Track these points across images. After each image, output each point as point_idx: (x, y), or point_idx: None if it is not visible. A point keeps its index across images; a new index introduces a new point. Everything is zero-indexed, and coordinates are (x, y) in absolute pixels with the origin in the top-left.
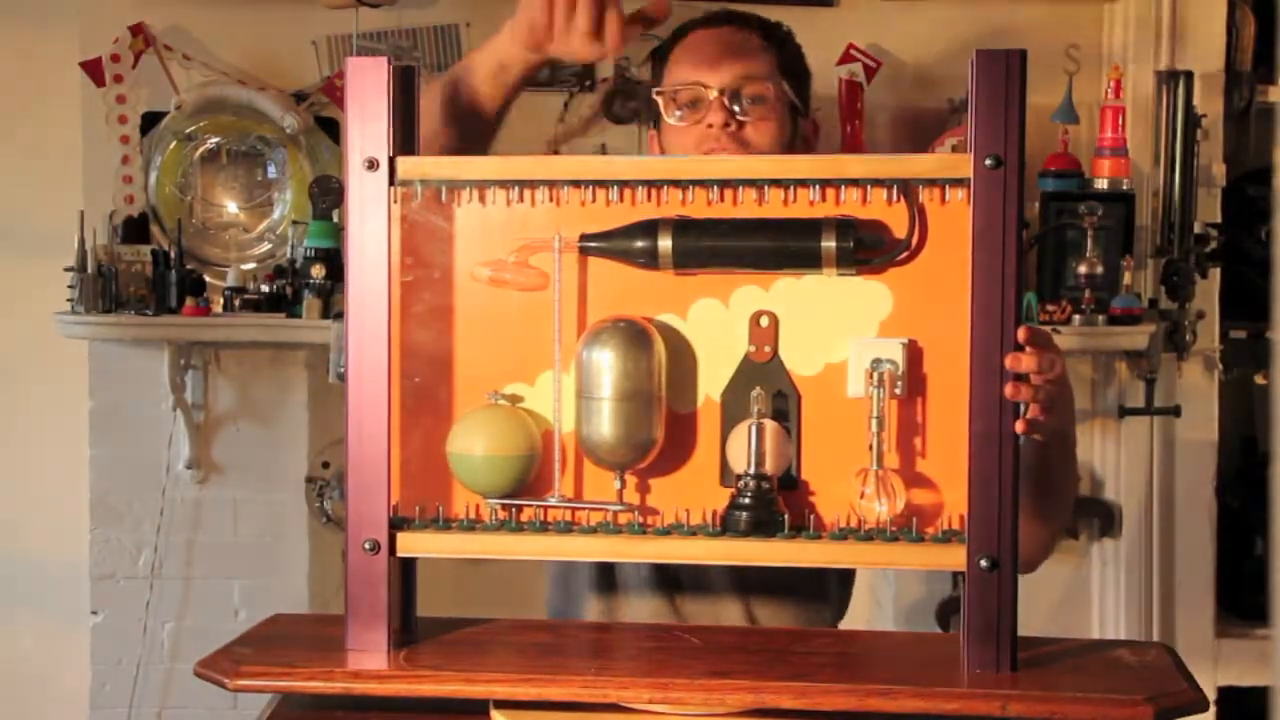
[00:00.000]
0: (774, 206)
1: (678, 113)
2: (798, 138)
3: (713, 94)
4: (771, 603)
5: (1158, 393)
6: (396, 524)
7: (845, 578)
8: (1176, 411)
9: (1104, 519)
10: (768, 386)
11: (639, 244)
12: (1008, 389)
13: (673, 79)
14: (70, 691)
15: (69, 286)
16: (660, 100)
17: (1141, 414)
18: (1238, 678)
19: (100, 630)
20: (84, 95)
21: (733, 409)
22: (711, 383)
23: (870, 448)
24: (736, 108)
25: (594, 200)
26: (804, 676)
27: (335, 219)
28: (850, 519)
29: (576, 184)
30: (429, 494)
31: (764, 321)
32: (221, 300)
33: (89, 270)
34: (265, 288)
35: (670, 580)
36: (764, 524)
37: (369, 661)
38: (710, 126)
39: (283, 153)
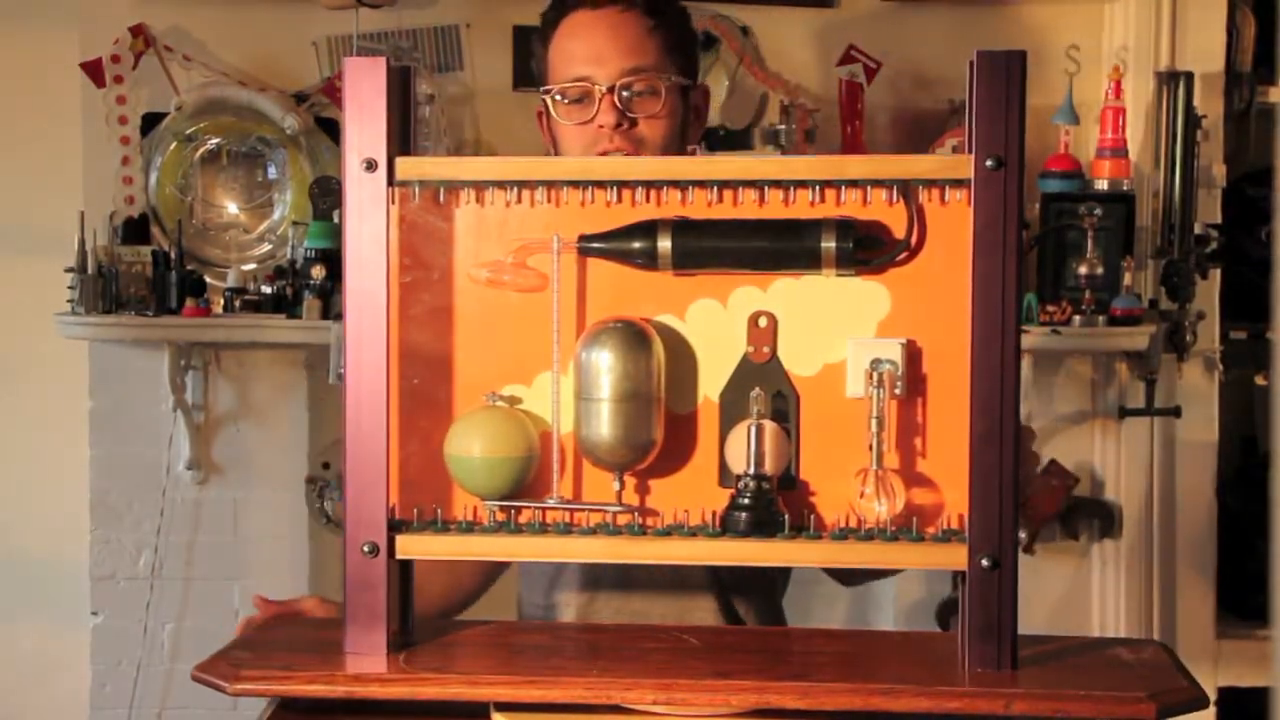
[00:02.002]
0: (774, 207)
1: (564, 102)
2: (689, 113)
3: (601, 90)
4: (740, 597)
5: (1158, 393)
6: (395, 526)
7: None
8: (1177, 412)
9: (1104, 520)
10: (767, 387)
11: (638, 244)
12: None
13: (558, 69)
14: (70, 692)
15: (69, 287)
16: (549, 101)
17: (1142, 414)
18: (1238, 678)
19: (100, 631)
20: (84, 96)
21: (731, 409)
22: (710, 383)
23: (870, 448)
24: (625, 93)
25: (592, 201)
26: (806, 676)
27: (335, 220)
28: (850, 519)
29: (575, 184)
30: (427, 496)
31: (762, 322)
32: (222, 301)
33: (89, 271)
34: (265, 288)
35: (641, 574)
36: (764, 524)
37: (368, 664)
38: (602, 127)
39: (283, 153)
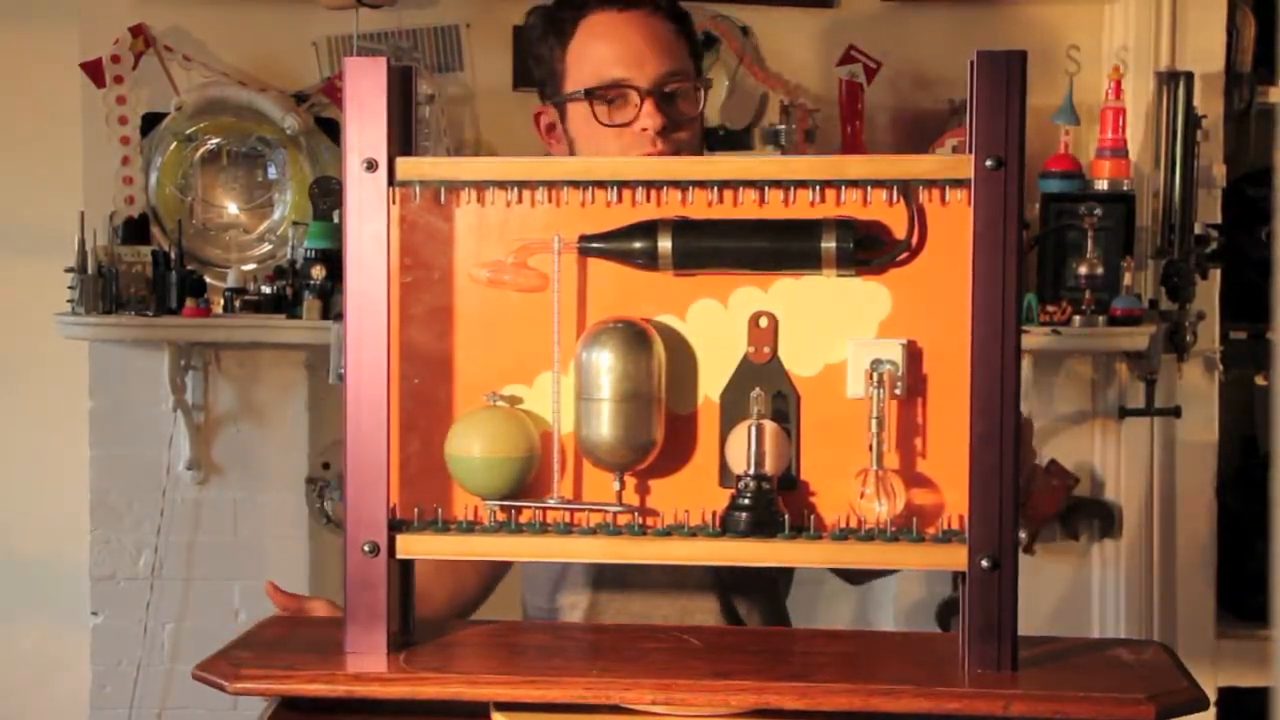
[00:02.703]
0: (774, 207)
1: (601, 105)
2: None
3: (643, 92)
4: (741, 597)
5: (1158, 393)
6: (395, 526)
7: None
8: (1177, 412)
9: (1104, 520)
10: (767, 387)
11: (638, 245)
12: None
13: (585, 70)
14: (70, 692)
15: (69, 287)
16: (572, 104)
17: (1142, 415)
18: (1238, 678)
19: (100, 631)
20: (84, 96)
21: (732, 410)
22: (711, 383)
23: (870, 448)
24: (666, 96)
25: (593, 201)
26: (806, 676)
27: (336, 220)
28: (850, 519)
29: (575, 185)
30: (428, 496)
31: (763, 322)
32: (222, 301)
33: (89, 271)
34: (265, 289)
35: (643, 576)
36: (764, 524)
37: (369, 664)
38: (645, 130)
39: (283, 154)
